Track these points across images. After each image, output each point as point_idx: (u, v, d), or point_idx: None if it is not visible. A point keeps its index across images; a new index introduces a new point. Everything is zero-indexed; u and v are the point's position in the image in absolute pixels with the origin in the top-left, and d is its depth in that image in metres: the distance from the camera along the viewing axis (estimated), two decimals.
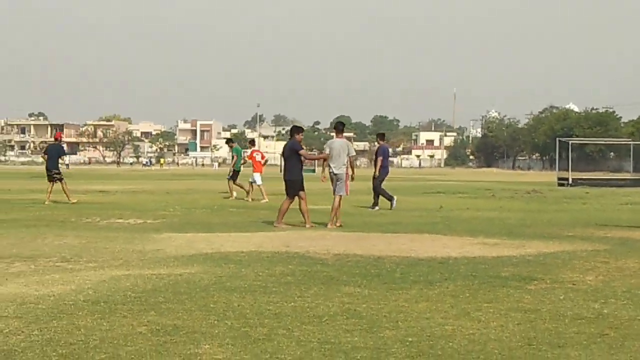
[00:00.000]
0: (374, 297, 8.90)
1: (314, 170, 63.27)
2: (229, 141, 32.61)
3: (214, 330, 7.21)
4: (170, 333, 7.07)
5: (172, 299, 8.68)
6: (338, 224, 18.81)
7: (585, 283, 10.01)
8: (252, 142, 38.16)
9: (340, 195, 19.31)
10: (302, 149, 20.25)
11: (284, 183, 19.34)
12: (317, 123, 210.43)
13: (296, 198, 18.94)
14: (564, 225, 19.20)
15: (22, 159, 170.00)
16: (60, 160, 27.49)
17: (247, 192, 30.24)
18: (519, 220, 20.70)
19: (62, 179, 26.34)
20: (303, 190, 18.99)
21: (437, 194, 36.68)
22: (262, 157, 32.05)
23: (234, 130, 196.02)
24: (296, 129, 20.90)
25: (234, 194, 30.52)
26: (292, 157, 19.51)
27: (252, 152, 32.50)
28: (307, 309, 8.19)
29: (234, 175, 31.32)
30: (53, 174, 26.34)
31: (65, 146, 33.85)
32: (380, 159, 25.30)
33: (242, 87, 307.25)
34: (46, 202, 25.65)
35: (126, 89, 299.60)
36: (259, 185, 30.25)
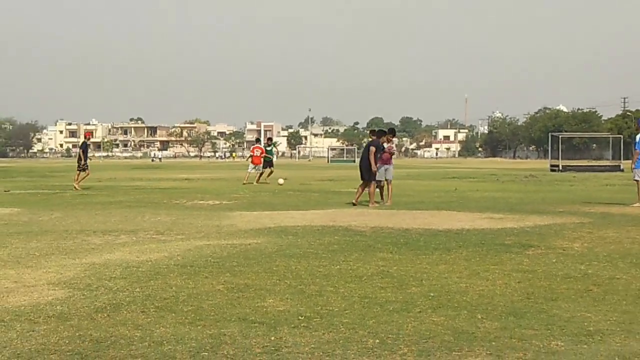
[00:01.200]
0: (403, 261, 8.90)
1: (353, 161, 63.22)
2: (269, 140, 33.27)
3: (276, 287, 7.26)
4: (242, 290, 7.14)
5: (243, 263, 8.75)
6: (389, 203, 18.78)
7: (573, 249, 9.93)
8: (257, 140, 39.56)
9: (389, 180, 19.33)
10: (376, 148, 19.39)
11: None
12: (357, 123, 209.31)
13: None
14: (556, 202, 19.02)
15: (125, 154, 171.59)
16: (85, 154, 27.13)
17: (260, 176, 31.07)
18: (519, 199, 20.56)
19: (85, 169, 26.13)
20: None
21: (452, 179, 36.48)
22: (262, 153, 31.85)
23: (290, 130, 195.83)
24: (390, 132, 20.87)
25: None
26: (365, 155, 19.10)
27: (252, 148, 33.04)
28: (350, 270, 8.22)
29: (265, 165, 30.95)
30: (82, 165, 26.21)
31: (90, 144, 34.56)
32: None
33: (297, 94, 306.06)
34: (77, 187, 25.68)
35: (206, 97, 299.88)
36: (249, 172, 31.19)
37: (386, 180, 19.39)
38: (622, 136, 69.88)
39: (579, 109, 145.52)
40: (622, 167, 49.19)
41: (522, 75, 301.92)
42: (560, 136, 61.72)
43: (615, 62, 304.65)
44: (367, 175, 18.57)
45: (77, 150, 28.19)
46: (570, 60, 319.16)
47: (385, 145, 19.41)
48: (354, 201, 18.74)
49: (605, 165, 56.50)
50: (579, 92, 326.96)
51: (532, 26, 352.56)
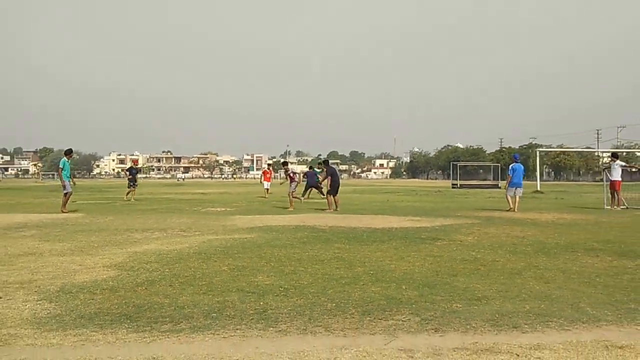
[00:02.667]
0: (352, 249, 8.91)
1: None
2: (284, 164, 28.32)
3: (264, 268, 7.24)
4: (240, 270, 7.11)
5: (241, 251, 8.71)
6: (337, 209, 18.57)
7: (467, 241, 10.02)
8: (268, 165, 38.18)
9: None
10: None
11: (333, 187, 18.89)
12: (320, 155, 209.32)
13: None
14: (455, 209, 19.16)
15: (158, 176, 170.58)
16: (136, 176, 26.76)
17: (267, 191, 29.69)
18: (431, 207, 20.69)
19: (133, 186, 25.94)
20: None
21: (385, 193, 36.56)
22: (270, 174, 31.30)
23: (274, 159, 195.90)
24: (326, 162, 20.89)
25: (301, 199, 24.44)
26: (335, 175, 19.20)
27: (264, 171, 31.84)
28: (315, 256, 8.22)
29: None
30: (133, 184, 25.96)
31: (140, 169, 34.46)
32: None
33: (279, 134, 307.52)
34: (125, 198, 25.59)
35: (215, 135, 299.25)
36: (266, 188, 29.92)
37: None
38: (499, 164, 70.91)
39: (470, 146, 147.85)
40: (499, 185, 50.00)
41: (433, 121, 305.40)
42: (458, 164, 62.54)
43: (495, 110, 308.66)
44: (332, 191, 18.70)
45: (127, 173, 27.76)
46: (464, 108, 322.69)
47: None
48: (329, 209, 18.55)
49: (488, 184, 57.16)
50: (470, 134, 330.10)
51: (438, 84, 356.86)
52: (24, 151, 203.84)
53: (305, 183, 26.85)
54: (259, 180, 33.54)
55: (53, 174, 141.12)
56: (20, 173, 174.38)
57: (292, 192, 20.38)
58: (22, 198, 28.51)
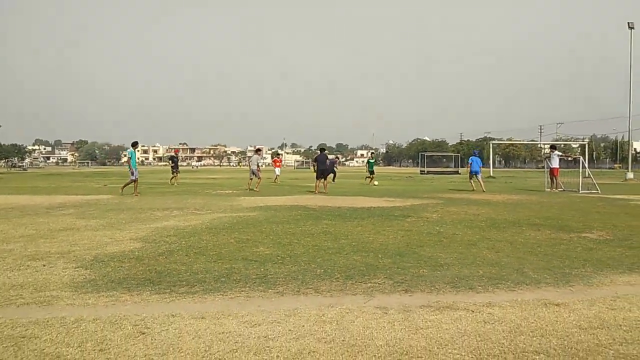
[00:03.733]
0: (337, 225, 8.92)
1: (309, 168, 62.82)
2: (372, 153, 29.74)
3: (264, 240, 7.23)
4: (245, 242, 7.09)
5: (245, 226, 8.69)
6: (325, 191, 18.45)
7: (432, 218, 10.05)
8: (276, 154, 37.31)
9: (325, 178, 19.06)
10: (327, 158, 19.53)
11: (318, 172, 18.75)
12: (311, 146, 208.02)
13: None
14: (424, 192, 19.23)
15: (161, 164, 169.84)
16: (177, 164, 26.29)
17: (275, 178, 28.61)
18: (403, 190, 20.74)
19: (176, 172, 25.53)
20: (325, 177, 18.77)
21: (364, 179, 36.66)
22: (280, 162, 30.72)
23: (272, 150, 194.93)
24: (322, 150, 20.28)
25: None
26: (324, 161, 18.87)
27: (274, 160, 31.31)
28: (307, 231, 8.22)
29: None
30: (175, 170, 25.54)
31: (180, 157, 33.34)
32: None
33: (277, 128, 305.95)
34: (170, 182, 25.07)
35: (224, 129, 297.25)
36: (277, 175, 29.10)
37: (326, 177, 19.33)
38: (459, 154, 71.03)
39: (435, 139, 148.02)
40: (459, 172, 50.15)
41: (405, 118, 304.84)
42: (425, 154, 62.63)
43: (456, 109, 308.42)
44: (331, 171, 18.88)
45: (169, 161, 27.27)
46: (431, 107, 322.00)
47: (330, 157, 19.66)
48: (315, 191, 18.44)
49: (450, 171, 57.27)
50: (437, 128, 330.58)
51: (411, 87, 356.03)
52: (63, 143, 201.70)
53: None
54: (271, 166, 33.30)
55: (88, 162, 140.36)
56: (60, 161, 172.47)
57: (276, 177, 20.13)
58: (62, 182, 28.23)
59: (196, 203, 13.53)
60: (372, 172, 27.10)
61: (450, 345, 3.31)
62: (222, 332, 3.54)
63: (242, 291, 4.58)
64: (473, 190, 19.26)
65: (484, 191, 18.69)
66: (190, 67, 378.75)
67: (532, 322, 3.76)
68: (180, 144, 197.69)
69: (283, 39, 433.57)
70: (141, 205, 12.78)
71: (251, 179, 20.30)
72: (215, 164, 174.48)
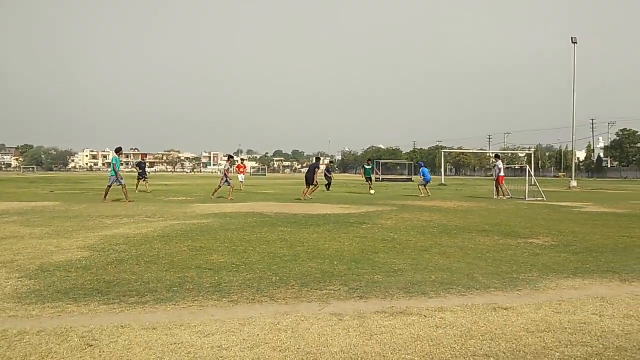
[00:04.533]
0: (293, 232, 8.89)
1: (264, 175, 62.01)
2: (369, 160, 27.23)
3: (219, 248, 7.13)
4: (199, 250, 6.97)
5: (199, 234, 8.53)
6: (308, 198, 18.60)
7: (387, 225, 10.18)
8: (242, 160, 35.17)
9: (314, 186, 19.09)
10: (319, 168, 19.58)
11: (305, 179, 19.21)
12: (267, 153, 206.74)
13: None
14: (379, 198, 19.44)
15: (127, 170, 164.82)
16: (145, 170, 25.00)
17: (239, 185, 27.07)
18: (358, 197, 20.92)
19: (144, 179, 24.18)
20: (313, 183, 18.87)
21: (321, 185, 36.76)
22: (244, 168, 29.46)
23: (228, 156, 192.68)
24: (318, 159, 20.96)
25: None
26: (311, 170, 19.19)
27: (238, 165, 29.72)
28: (262, 238, 8.15)
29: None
30: (142, 177, 24.31)
31: (147, 163, 30.97)
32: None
33: (233, 134, 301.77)
34: (137, 191, 23.31)
35: (178, 134, 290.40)
36: (241, 181, 27.78)
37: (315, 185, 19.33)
38: (413, 162, 72.41)
39: (390, 147, 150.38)
40: (412, 179, 51.14)
41: (361, 126, 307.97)
42: (380, 161, 63.53)
43: (410, 117, 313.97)
44: (311, 181, 18.76)
45: (136, 167, 25.68)
46: (385, 116, 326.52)
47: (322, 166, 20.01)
48: (301, 197, 18.66)
49: (404, 178, 58.26)
50: (390, 136, 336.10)
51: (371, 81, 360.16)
52: (7, 147, 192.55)
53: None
54: (234, 173, 31.27)
55: (33, 168, 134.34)
56: (3, 166, 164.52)
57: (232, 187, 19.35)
58: (5, 188, 26.90)
59: (148, 210, 13.19)
60: (369, 179, 25.77)
61: (404, 350, 3.35)
62: (175, 343, 3.45)
63: (195, 300, 4.48)
64: (422, 196, 20.71)
65: (429, 196, 20.84)
66: (142, 68, 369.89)
67: (482, 326, 3.85)
68: (131, 149, 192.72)
69: (240, 41, 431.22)
70: (89, 213, 12.35)
71: (220, 186, 19.74)
72: (169, 170, 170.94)
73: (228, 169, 19.64)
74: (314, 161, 20.28)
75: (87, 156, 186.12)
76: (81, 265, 5.90)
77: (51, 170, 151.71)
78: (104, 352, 3.29)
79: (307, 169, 19.52)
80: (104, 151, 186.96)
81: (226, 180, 19.10)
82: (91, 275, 5.41)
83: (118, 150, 17.60)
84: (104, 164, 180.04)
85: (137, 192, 22.75)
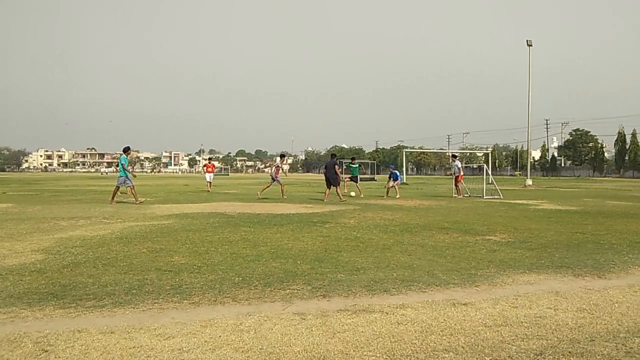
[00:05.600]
0: (256, 232, 8.83)
1: (227, 175, 61.12)
2: (282, 156, 23.19)
3: (180, 249, 7.01)
4: (158, 251, 6.83)
5: (159, 235, 8.36)
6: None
7: (350, 223, 10.24)
8: (210, 159, 32.67)
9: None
10: (337, 164, 18.36)
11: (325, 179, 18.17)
12: (230, 152, 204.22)
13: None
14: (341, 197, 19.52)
15: (84, 170, 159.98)
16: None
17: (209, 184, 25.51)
18: (321, 196, 20.85)
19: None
20: (336, 184, 17.80)
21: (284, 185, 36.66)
22: (213, 167, 26.94)
23: (190, 156, 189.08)
24: (332, 156, 19.18)
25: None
26: (331, 169, 17.96)
27: (205, 164, 27.24)
28: (225, 238, 8.06)
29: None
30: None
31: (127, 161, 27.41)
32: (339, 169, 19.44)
33: (194, 133, 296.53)
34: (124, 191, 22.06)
35: (136, 132, 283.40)
36: (208, 181, 25.66)
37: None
38: (375, 162, 73.17)
39: (353, 147, 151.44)
40: (375, 179, 51.59)
41: (323, 125, 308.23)
42: (343, 161, 63.79)
43: (372, 117, 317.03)
44: (334, 182, 17.66)
45: (117, 168, 23.40)
46: (348, 114, 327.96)
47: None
48: (325, 199, 17.66)
49: (367, 177, 58.68)
50: (353, 136, 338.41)
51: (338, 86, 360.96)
52: None
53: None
54: (202, 173, 28.23)
55: None
56: None
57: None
58: None
59: (105, 212, 12.84)
60: (353, 179, 22.93)
61: (366, 347, 3.38)
62: (133, 347, 3.37)
63: (155, 303, 4.39)
64: (398, 197, 20.07)
65: (396, 197, 19.86)
66: (98, 64, 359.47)
67: (442, 322, 3.93)
68: (88, 148, 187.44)
69: (202, 38, 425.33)
70: (44, 215, 11.93)
71: (269, 185, 19.05)
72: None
73: (279, 167, 18.79)
74: (330, 158, 18.91)
75: (41, 156, 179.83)
76: (35, 269, 5.69)
77: (3, 170, 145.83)
78: (59, 357, 3.19)
79: (325, 168, 18.06)
80: (59, 151, 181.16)
81: (276, 179, 18.49)
82: (46, 278, 5.23)
83: (126, 150, 16.91)
84: (59, 164, 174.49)
85: (122, 192, 21.44)
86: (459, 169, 21.24)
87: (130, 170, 16.79)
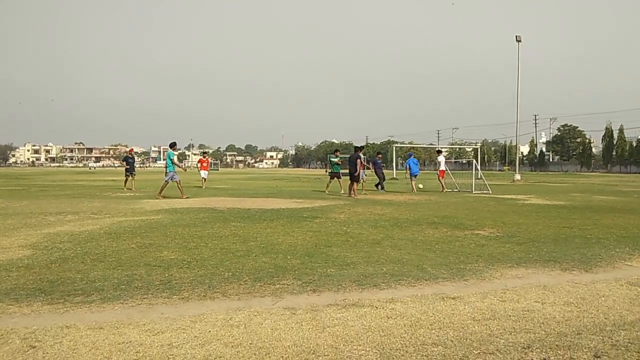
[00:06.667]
0: (246, 227, 8.82)
1: (217, 170, 61.02)
2: (335, 151, 21.31)
3: (169, 244, 6.98)
4: (147, 247, 6.80)
5: (148, 230, 8.32)
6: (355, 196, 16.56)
7: (340, 218, 10.25)
8: (204, 153, 30.46)
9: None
10: (360, 158, 17.28)
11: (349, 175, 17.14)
12: (220, 147, 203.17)
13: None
14: (331, 193, 19.53)
15: (71, 165, 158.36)
16: (133, 165, 21.81)
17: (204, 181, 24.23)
18: (311, 191, 20.97)
19: (132, 174, 21.17)
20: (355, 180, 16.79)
21: (274, 180, 36.64)
22: (207, 163, 25.52)
23: (179, 151, 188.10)
24: (357, 148, 17.96)
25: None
26: (353, 162, 16.80)
27: (200, 160, 26.18)
28: (214, 233, 8.04)
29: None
30: (131, 173, 21.19)
31: (135, 157, 25.64)
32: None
33: (183, 127, 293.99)
34: (125, 188, 20.63)
35: (126, 127, 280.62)
36: (203, 178, 24.34)
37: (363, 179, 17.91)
38: (366, 157, 73.05)
39: (343, 142, 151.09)
40: (366, 173, 51.53)
41: (313, 120, 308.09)
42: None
43: (362, 112, 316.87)
44: (354, 177, 16.70)
45: (123, 162, 23.20)
46: (338, 109, 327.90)
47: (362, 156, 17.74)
48: (347, 193, 16.96)
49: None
50: (343, 131, 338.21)
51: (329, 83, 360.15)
52: None
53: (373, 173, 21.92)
54: (197, 169, 25.93)
55: None
56: None
57: None
58: None
59: (93, 207, 12.74)
60: (334, 175, 20.20)
61: (356, 341, 3.40)
62: (122, 342, 3.35)
63: (144, 298, 4.37)
64: (415, 192, 19.47)
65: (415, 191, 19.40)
66: (88, 59, 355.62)
67: (431, 316, 3.95)
68: (76, 143, 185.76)
69: (192, 32, 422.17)
70: (31, 210, 11.81)
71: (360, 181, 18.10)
72: (116, 165, 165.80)
73: (362, 161, 17.99)
74: (354, 151, 17.84)
75: (28, 151, 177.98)
76: (23, 264, 5.64)
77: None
78: (47, 353, 3.16)
79: (349, 161, 17.19)
80: (47, 145, 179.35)
81: (361, 175, 17.63)
82: (34, 274, 5.19)
83: (172, 145, 17.09)
84: (46, 159, 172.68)
85: (127, 188, 20.67)
86: (439, 163, 21.44)
87: (181, 165, 16.94)
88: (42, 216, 10.47)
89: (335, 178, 19.93)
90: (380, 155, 22.58)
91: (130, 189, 20.58)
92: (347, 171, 17.29)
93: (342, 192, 18.70)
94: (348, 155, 20.56)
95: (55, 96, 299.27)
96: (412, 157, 21.83)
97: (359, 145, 18.68)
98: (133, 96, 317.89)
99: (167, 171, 16.55)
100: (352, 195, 16.61)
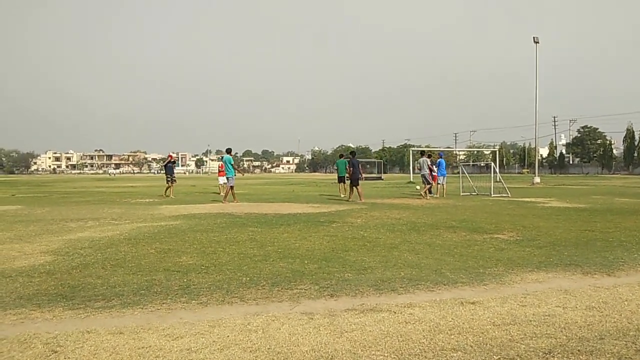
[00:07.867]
0: (263, 232, 8.86)
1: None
2: (340, 155, 21.62)
3: (188, 250, 7.04)
4: (167, 252, 6.87)
5: (167, 236, 8.41)
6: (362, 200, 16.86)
7: (357, 223, 10.23)
8: (220, 159, 29.20)
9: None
10: (359, 163, 17.95)
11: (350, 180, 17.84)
12: (237, 153, 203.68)
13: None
14: (348, 197, 19.48)
15: (92, 172, 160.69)
16: (173, 171, 20.93)
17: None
18: (329, 196, 20.96)
19: (173, 182, 20.33)
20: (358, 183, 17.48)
21: (290, 185, 36.69)
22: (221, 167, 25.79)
23: (197, 157, 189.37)
24: (352, 153, 18.72)
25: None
26: (356, 167, 17.67)
27: (219, 165, 26.61)
28: (232, 238, 8.09)
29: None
30: (171, 180, 20.35)
31: (176, 162, 25.39)
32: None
33: (202, 134, 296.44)
34: (164, 195, 20.34)
35: (144, 134, 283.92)
36: (221, 184, 22.19)
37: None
38: (382, 161, 72.95)
39: (359, 146, 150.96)
40: (382, 178, 51.48)
41: (330, 124, 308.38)
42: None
43: (378, 116, 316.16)
44: (355, 182, 17.50)
45: (163, 169, 23.29)
46: (354, 114, 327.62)
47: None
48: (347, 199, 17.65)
49: (374, 177, 58.56)
50: (359, 135, 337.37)
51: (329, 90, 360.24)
52: None
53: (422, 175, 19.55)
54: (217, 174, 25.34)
55: None
56: None
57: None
58: None
59: (113, 213, 12.92)
60: (341, 179, 20.39)
61: (374, 346, 3.38)
62: (142, 347, 3.39)
63: (163, 303, 4.41)
64: (437, 196, 18.86)
65: (442, 196, 18.86)
66: (107, 68, 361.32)
67: (450, 321, 3.92)
68: (96, 150, 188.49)
69: (207, 40, 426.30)
70: (53, 216, 12.02)
71: (427, 184, 18.19)
72: (135, 171, 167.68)
73: (430, 165, 18.07)
74: (351, 157, 18.23)
75: (49, 158, 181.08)
76: (44, 270, 5.74)
77: (12, 173, 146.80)
78: (69, 357, 3.21)
79: (352, 165, 17.63)
80: (67, 152, 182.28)
81: (428, 179, 17.81)
82: (55, 280, 5.27)
83: (229, 151, 17.99)
84: (67, 166, 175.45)
85: (166, 195, 20.34)
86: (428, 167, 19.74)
87: (240, 169, 17.62)
88: (63, 222, 10.64)
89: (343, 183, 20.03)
90: (343, 156, 21.98)
91: (168, 196, 19.86)
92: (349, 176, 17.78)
93: (342, 195, 19.36)
94: (373, 160, 20.98)
95: (73, 104, 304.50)
96: (441, 157, 20.86)
97: (353, 152, 19.67)
98: (151, 104, 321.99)
99: (228, 176, 17.23)
100: (359, 199, 17.02)
